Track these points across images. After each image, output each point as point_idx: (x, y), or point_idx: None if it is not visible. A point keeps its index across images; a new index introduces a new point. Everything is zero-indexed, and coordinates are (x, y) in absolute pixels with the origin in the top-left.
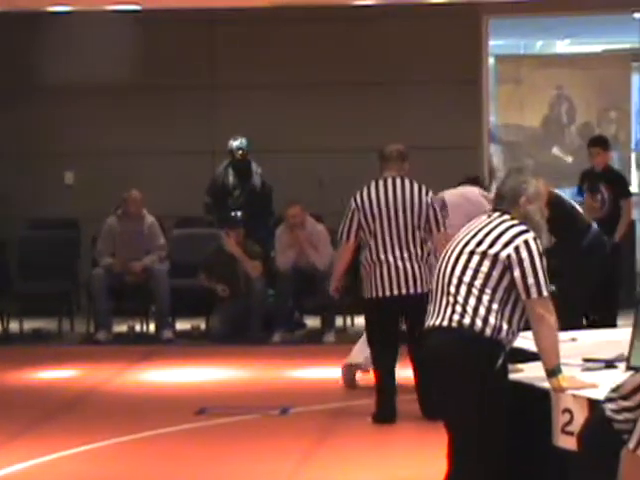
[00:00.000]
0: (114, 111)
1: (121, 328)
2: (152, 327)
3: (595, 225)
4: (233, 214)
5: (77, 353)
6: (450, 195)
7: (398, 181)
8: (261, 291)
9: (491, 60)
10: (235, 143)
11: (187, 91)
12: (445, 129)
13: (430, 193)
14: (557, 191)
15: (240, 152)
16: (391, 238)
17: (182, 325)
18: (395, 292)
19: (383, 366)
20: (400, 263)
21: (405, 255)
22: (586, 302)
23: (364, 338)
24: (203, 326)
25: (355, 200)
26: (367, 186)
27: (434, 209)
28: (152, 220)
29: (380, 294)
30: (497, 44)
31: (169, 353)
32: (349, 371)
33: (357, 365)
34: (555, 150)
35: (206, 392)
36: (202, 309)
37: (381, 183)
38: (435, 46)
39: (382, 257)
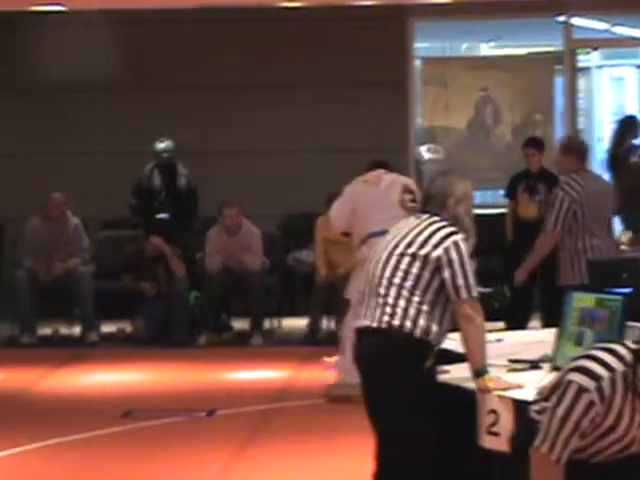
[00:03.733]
0: (35, 113)
1: (46, 331)
2: (77, 330)
3: None
4: (159, 216)
5: (1, 356)
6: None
7: (594, 174)
8: (184, 292)
9: (417, 62)
10: (161, 145)
11: (112, 93)
12: (372, 131)
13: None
14: None
15: (165, 154)
16: (598, 226)
17: (108, 328)
18: None
19: None
20: (604, 250)
21: (608, 242)
22: None
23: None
24: (129, 329)
25: (567, 191)
26: (574, 178)
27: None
28: (76, 222)
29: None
30: (423, 46)
31: (94, 356)
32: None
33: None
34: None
35: (132, 395)
36: (128, 311)
37: (588, 175)
38: (362, 49)
39: (594, 244)
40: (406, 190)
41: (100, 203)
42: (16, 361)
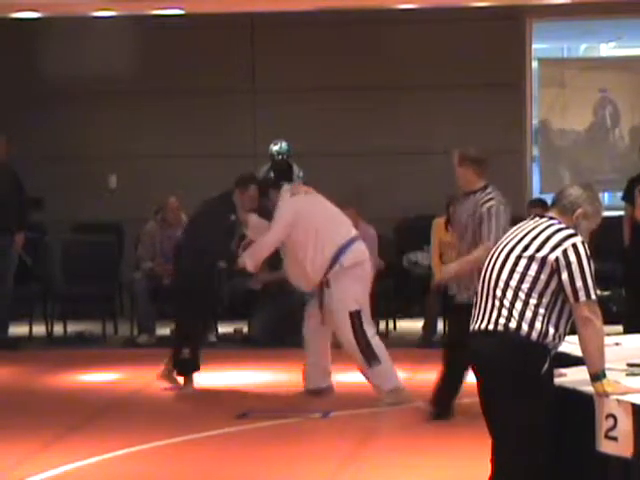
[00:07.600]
0: (154, 114)
1: (164, 331)
2: None
3: None
4: None
5: (120, 356)
6: None
7: None
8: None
9: (535, 63)
10: (275, 148)
11: (229, 95)
12: (488, 133)
13: None
14: None
15: (280, 156)
16: None
17: (226, 328)
18: None
19: None
20: None
21: None
22: None
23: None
24: (246, 329)
25: None
26: None
27: None
28: None
29: None
30: (540, 47)
31: (211, 356)
32: None
33: None
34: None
35: (248, 395)
36: (245, 312)
37: None
38: (479, 49)
39: None
40: None
41: None
42: (134, 361)
